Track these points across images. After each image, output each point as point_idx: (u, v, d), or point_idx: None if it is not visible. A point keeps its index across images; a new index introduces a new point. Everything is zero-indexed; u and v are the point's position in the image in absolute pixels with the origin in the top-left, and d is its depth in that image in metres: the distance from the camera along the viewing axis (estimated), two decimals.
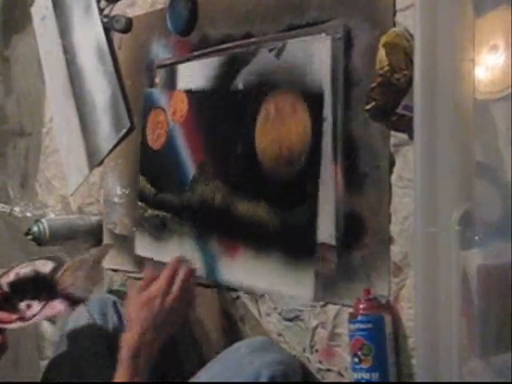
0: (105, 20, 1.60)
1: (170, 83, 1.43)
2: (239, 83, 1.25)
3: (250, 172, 1.23)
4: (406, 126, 0.94)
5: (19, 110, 2.05)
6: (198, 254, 1.32)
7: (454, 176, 0.78)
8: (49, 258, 1.23)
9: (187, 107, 1.37)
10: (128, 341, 1.08)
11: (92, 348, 1.25)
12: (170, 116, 1.41)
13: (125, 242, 1.54)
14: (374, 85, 0.94)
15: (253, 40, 1.23)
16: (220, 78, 1.30)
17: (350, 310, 1.02)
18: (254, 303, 1.23)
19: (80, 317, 1.31)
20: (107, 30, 1.60)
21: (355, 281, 1.04)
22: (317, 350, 1.11)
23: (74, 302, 1.17)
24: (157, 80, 1.47)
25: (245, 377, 1.03)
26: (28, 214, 1.82)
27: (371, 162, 1.03)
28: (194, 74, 1.36)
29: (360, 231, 1.04)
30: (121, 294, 1.46)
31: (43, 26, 1.85)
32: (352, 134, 1.05)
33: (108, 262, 1.54)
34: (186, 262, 1.18)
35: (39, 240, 1.58)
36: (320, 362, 1.11)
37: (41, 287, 1.16)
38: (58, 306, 1.15)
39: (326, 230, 1.08)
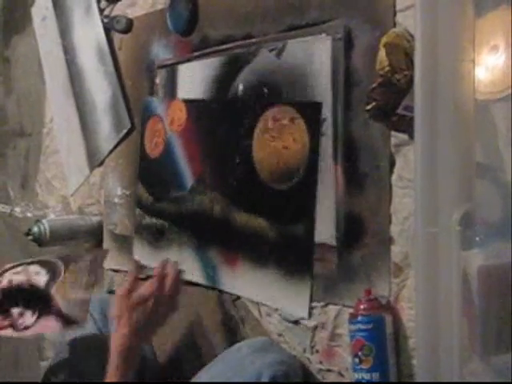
0: (105, 20, 1.60)
1: (171, 84, 1.43)
2: (239, 84, 1.25)
3: (248, 183, 1.22)
4: (406, 126, 0.94)
5: (19, 111, 2.05)
6: (198, 264, 1.33)
7: (454, 176, 0.78)
8: (42, 264, 1.23)
9: (185, 116, 1.37)
10: (117, 341, 1.08)
11: (92, 360, 1.25)
12: (168, 125, 1.41)
13: (125, 243, 1.54)
14: (374, 85, 0.94)
15: (253, 40, 1.23)
16: (220, 78, 1.30)
17: (351, 310, 1.02)
18: (254, 304, 1.23)
19: None
20: (107, 31, 1.60)
21: (356, 281, 1.04)
22: (317, 351, 1.11)
23: (68, 322, 1.17)
24: (157, 80, 1.47)
25: (246, 377, 1.03)
26: (28, 215, 1.82)
27: (371, 162, 1.03)
28: (195, 75, 1.36)
29: (360, 231, 1.04)
30: None
31: (43, 26, 1.85)
32: (352, 135, 1.05)
33: (109, 263, 1.54)
34: (173, 264, 1.18)
35: (40, 240, 1.58)
36: (320, 363, 1.11)
37: (35, 299, 1.17)
38: (52, 323, 1.15)
39: (326, 231, 1.08)
